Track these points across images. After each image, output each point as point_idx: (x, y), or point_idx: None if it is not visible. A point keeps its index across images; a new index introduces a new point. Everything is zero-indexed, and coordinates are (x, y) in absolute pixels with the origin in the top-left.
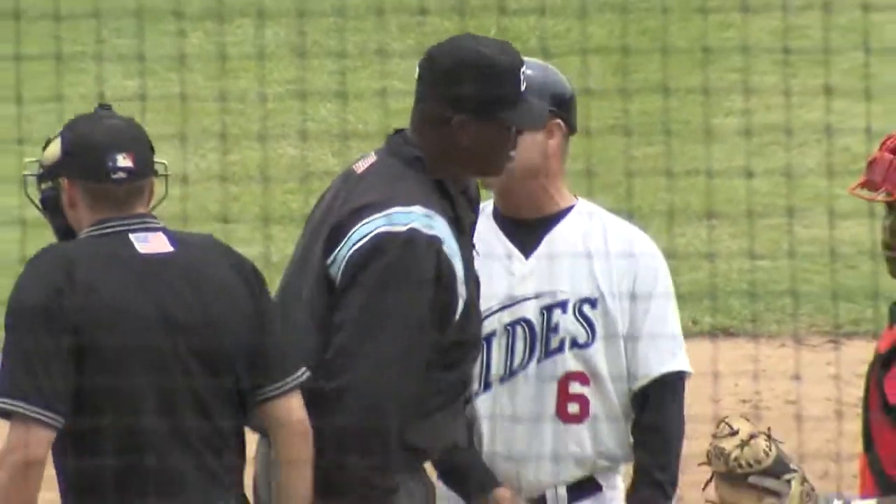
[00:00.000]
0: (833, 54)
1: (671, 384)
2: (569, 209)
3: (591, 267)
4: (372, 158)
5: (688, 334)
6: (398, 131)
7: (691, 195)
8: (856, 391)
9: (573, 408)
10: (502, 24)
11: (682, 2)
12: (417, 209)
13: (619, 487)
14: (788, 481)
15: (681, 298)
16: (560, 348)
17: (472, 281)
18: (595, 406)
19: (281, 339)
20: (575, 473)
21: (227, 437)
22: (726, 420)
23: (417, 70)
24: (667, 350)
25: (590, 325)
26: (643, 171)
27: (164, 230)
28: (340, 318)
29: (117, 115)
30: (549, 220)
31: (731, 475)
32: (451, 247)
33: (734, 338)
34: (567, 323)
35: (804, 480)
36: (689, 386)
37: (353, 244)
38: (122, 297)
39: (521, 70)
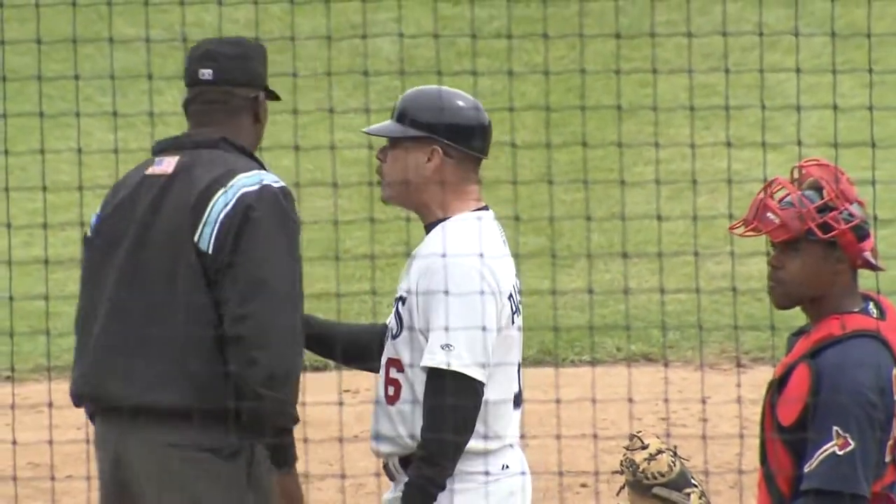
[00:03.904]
0: (736, 110)
1: (435, 378)
2: (442, 220)
3: (410, 269)
4: (172, 158)
5: (611, 361)
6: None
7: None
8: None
9: (390, 390)
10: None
11: (602, 62)
12: (256, 171)
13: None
14: (688, 494)
15: (602, 328)
16: (388, 337)
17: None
18: (405, 391)
19: None
20: (394, 450)
21: None
22: (639, 435)
23: (209, 75)
24: (436, 345)
25: (399, 319)
26: (570, 215)
27: None
28: (234, 275)
29: None
30: (430, 227)
31: (638, 485)
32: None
33: (653, 363)
34: (392, 315)
35: (703, 495)
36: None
37: (219, 213)
38: None
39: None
